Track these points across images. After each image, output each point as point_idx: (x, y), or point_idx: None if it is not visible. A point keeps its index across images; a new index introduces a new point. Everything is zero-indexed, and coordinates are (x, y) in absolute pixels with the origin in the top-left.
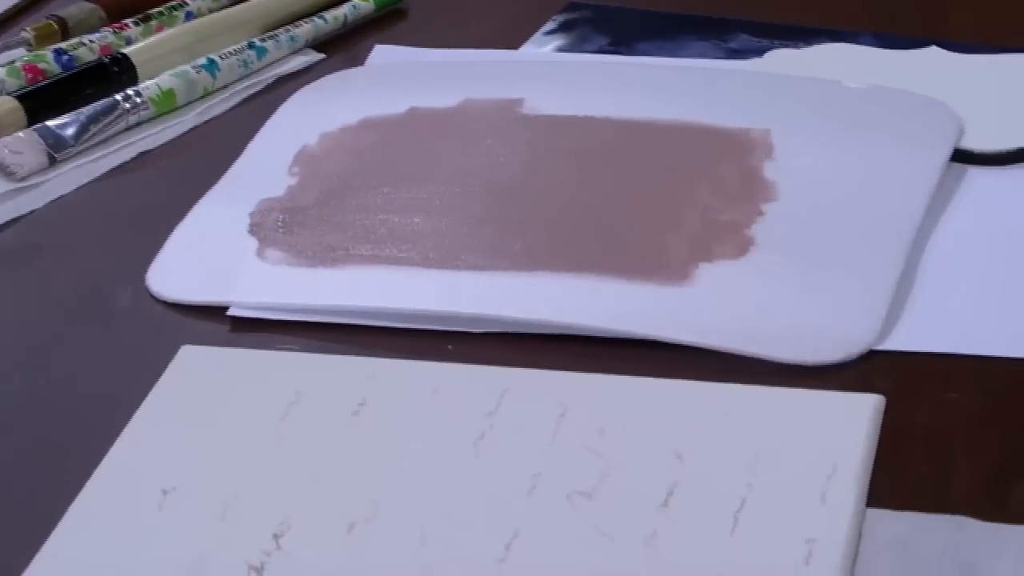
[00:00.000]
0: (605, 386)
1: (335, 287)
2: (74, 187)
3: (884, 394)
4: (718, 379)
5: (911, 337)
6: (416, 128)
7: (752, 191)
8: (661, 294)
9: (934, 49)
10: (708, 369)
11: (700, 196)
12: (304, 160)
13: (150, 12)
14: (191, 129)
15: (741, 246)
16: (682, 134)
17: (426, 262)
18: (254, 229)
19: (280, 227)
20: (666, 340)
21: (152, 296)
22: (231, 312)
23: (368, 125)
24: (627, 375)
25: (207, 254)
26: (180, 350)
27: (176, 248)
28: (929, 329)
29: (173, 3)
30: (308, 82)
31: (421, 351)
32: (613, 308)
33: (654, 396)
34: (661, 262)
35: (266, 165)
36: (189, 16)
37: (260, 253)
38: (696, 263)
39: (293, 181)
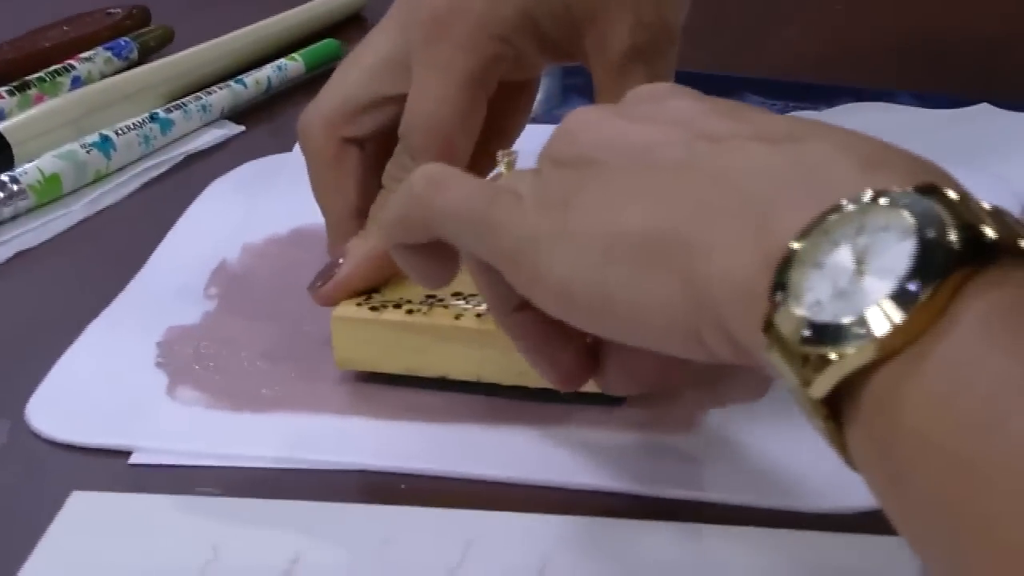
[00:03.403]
0: (593, 531)
1: (265, 435)
2: None
3: None
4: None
5: None
6: None
7: None
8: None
9: (986, 107)
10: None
11: None
12: (223, 279)
13: (28, 79)
14: (80, 222)
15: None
16: None
17: (374, 412)
18: (163, 362)
19: (195, 362)
20: (690, 499)
21: (33, 433)
22: (134, 460)
23: (300, 237)
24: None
25: (103, 388)
26: (70, 496)
27: (64, 377)
28: None
29: (56, 67)
30: (224, 161)
31: (368, 492)
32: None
33: (659, 542)
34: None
35: (176, 282)
36: (76, 83)
37: (171, 391)
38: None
39: (211, 306)
